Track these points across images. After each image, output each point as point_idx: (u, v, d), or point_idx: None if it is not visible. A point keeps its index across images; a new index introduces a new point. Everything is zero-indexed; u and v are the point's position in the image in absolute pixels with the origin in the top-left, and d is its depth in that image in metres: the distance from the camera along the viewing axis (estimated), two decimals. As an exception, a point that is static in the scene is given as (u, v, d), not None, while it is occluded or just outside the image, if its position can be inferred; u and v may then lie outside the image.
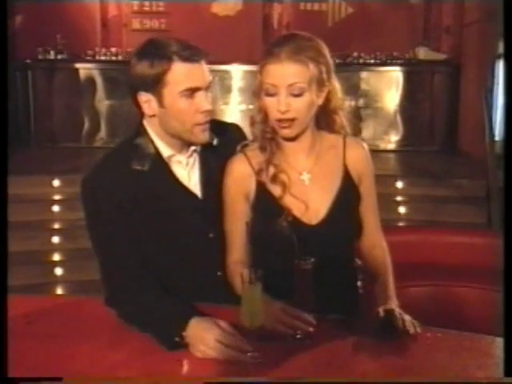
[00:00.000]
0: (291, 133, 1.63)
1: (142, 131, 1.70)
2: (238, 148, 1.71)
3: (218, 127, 1.77)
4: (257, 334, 1.34)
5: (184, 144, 1.69)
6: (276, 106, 1.58)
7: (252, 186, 1.68)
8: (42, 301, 1.90)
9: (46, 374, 1.28)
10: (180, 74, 1.59)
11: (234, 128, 1.86)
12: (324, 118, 1.70)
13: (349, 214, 1.70)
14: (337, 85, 1.67)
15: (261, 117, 1.66)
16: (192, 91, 1.60)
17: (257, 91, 1.65)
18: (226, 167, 1.70)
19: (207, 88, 1.63)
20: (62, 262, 4.38)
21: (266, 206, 1.66)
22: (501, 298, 1.35)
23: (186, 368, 1.39)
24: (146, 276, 1.60)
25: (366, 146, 1.76)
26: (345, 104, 1.73)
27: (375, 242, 1.76)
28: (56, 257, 4.42)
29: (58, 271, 4.32)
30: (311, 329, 1.38)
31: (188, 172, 1.71)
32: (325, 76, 1.62)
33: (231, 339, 1.37)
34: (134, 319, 1.53)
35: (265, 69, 1.60)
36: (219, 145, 1.74)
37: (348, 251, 1.75)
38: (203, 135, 1.66)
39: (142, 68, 1.60)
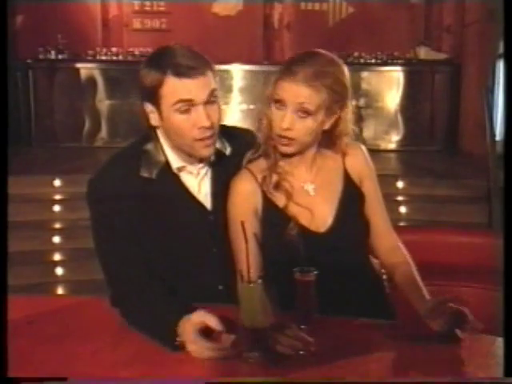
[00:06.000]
0: (289, 150, 1.63)
1: (152, 136, 1.68)
2: (244, 162, 1.69)
3: (231, 134, 1.75)
4: (257, 334, 1.35)
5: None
6: (280, 121, 1.59)
7: (259, 200, 1.67)
8: (43, 301, 1.90)
9: (47, 373, 1.28)
10: (173, 88, 1.55)
11: (249, 134, 1.80)
12: (325, 140, 1.69)
13: (355, 217, 1.70)
14: (350, 113, 1.66)
15: (266, 123, 1.65)
16: (187, 105, 1.55)
17: (266, 100, 1.64)
18: (232, 186, 1.67)
19: (207, 102, 1.57)
20: (63, 262, 4.38)
21: (272, 216, 1.65)
22: (501, 297, 1.35)
23: (186, 368, 1.39)
24: (148, 278, 1.58)
25: (363, 147, 1.76)
26: (351, 131, 1.69)
27: (391, 245, 1.73)
28: (57, 257, 4.42)
29: (59, 271, 4.32)
30: (311, 348, 1.36)
31: (199, 182, 1.68)
32: (336, 105, 1.61)
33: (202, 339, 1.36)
34: (134, 321, 1.52)
35: (278, 82, 1.59)
36: (232, 154, 1.72)
37: (361, 254, 1.73)
38: (206, 150, 1.61)
39: (142, 78, 1.59)
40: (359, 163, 1.73)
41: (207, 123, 1.56)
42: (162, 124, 1.62)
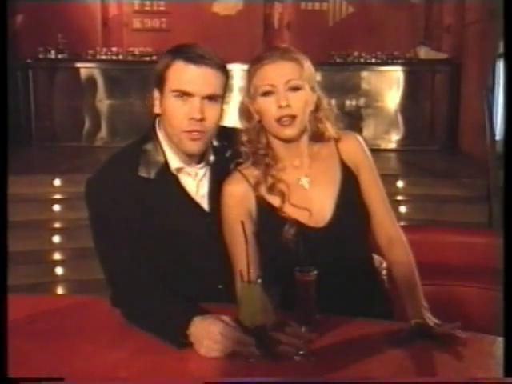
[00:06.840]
0: (292, 132, 1.62)
1: (152, 136, 1.68)
2: (232, 166, 1.69)
3: (231, 135, 1.74)
4: (257, 334, 1.35)
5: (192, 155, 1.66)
6: (275, 104, 1.60)
7: (253, 203, 1.66)
8: (43, 300, 1.90)
9: (47, 373, 1.28)
10: (178, 72, 1.58)
11: None
12: (313, 129, 1.69)
13: (355, 207, 1.68)
14: (325, 100, 1.70)
15: (250, 137, 1.66)
16: (185, 93, 1.57)
17: (245, 110, 1.68)
18: (224, 188, 1.66)
19: (206, 98, 1.59)
20: (63, 262, 4.38)
21: (268, 218, 1.64)
22: (501, 297, 1.35)
23: (186, 368, 1.39)
24: (148, 277, 1.58)
25: (358, 136, 1.76)
26: (333, 117, 1.71)
27: (391, 236, 1.70)
28: (56, 256, 4.42)
29: (59, 271, 4.32)
30: (311, 345, 1.36)
31: (197, 183, 1.68)
32: (313, 80, 1.66)
33: (234, 332, 1.36)
34: (138, 320, 1.52)
35: (258, 71, 1.63)
36: (232, 155, 1.72)
37: (362, 246, 1.71)
38: (192, 144, 1.61)
39: (157, 65, 1.64)
40: (354, 151, 1.72)
41: (198, 116, 1.58)
42: (161, 111, 1.64)
